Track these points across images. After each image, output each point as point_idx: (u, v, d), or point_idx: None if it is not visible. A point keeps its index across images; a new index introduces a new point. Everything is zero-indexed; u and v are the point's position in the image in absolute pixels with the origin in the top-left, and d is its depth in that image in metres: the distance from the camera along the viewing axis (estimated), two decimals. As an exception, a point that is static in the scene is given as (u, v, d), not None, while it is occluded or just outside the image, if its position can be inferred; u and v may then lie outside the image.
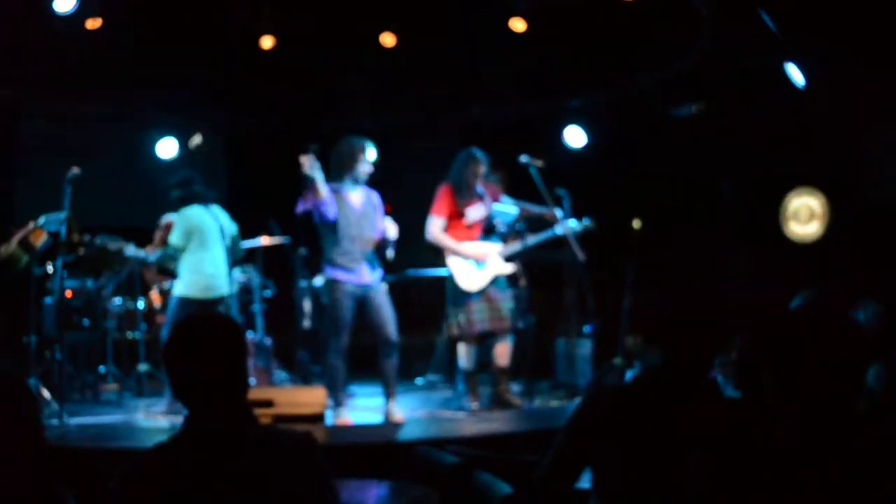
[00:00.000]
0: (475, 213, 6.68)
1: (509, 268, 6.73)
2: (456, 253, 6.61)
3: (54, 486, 2.42)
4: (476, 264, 6.62)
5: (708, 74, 7.99)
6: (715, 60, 7.77)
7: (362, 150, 6.23)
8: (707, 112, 8.24)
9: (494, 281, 6.63)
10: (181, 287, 6.55)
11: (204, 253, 6.59)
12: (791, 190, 8.08)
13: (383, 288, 6.29)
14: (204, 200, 6.74)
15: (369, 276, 6.18)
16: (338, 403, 6.10)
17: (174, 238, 6.57)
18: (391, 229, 6.28)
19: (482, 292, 6.59)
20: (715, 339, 2.57)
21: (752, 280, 7.71)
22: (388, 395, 6.19)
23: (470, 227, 6.68)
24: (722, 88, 7.97)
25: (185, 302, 6.48)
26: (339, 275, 6.12)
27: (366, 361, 6.77)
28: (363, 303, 6.14)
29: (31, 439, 2.37)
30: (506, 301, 6.65)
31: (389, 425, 6.03)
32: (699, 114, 8.28)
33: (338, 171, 6.24)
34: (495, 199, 6.84)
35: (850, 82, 7.18)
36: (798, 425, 2.27)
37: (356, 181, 6.23)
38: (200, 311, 6.11)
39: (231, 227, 6.88)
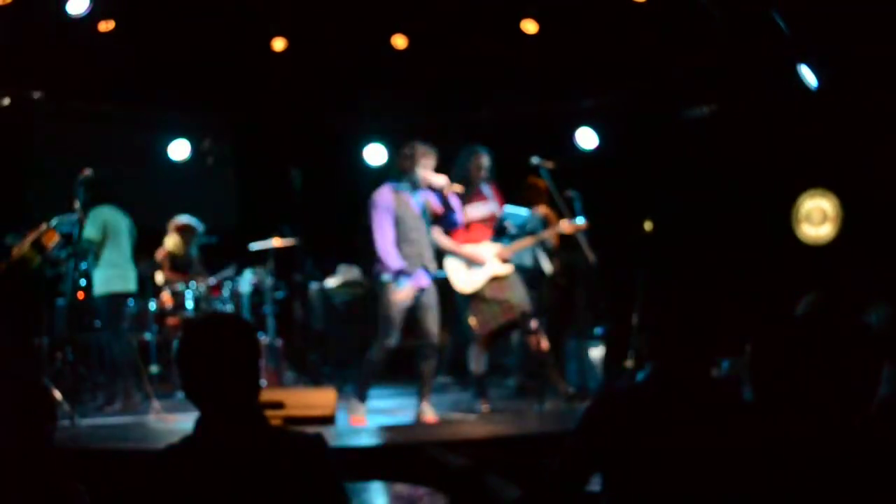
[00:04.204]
0: (474, 210, 6.65)
1: (506, 269, 6.71)
2: (453, 254, 6.61)
3: (70, 486, 2.43)
4: (471, 266, 6.62)
5: (720, 76, 7.97)
6: (727, 62, 7.74)
7: (424, 155, 6.19)
8: (719, 114, 8.21)
9: (493, 281, 6.63)
10: (106, 284, 6.84)
11: (119, 249, 6.93)
12: (804, 192, 8.04)
13: (434, 290, 6.29)
14: (113, 201, 7.02)
15: (426, 280, 6.19)
16: (361, 399, 6.12)
17: (89, 232, 6.76)
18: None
19: (479, 293, 6.60)
20: (720, 342, 2.57)
21: (765, 282, 7.68)
22: (423, 395, 6.21)
23: (468, 225, 6.64)
24: (734, 90, 7.95)
25: (116, 297, 6.83)
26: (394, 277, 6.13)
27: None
28: (414, 303, 6.16)
29: (46, 441, 2.38)
30: (509, 290, 6.63)
31: (400, 427, 6.03)
32: (711, 115, 8.25)
33: (400, 173, 6.24)
34: (500, 202, 6.83)
35: (863, 83, 7.15)
36: (810, 428, 2.26)
37: (415, 185, 6.22)
38: (123, 303, 6.89)
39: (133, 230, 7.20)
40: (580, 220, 6.75)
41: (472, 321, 6.61)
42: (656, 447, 2.41)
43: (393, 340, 6.10)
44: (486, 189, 6.72)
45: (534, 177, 7.30)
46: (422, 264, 6.17)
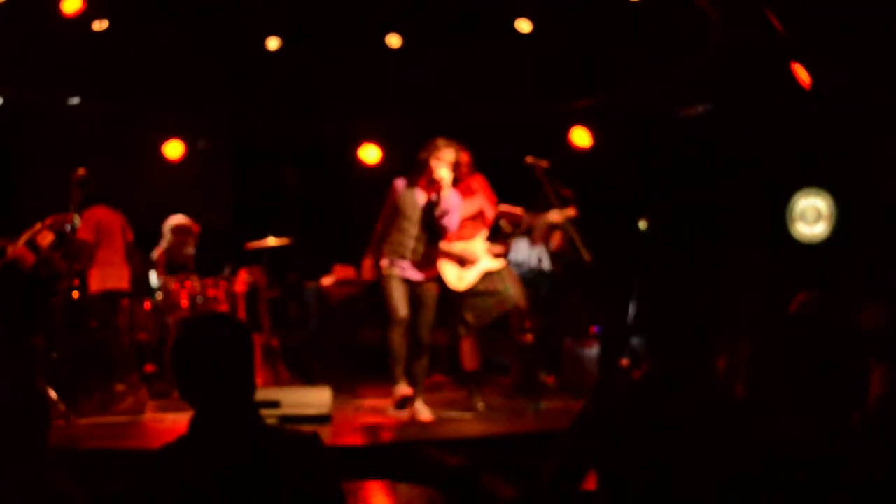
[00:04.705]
0: (463, 208, 6.60)
1: (497, 264, 6.72)
2: (442, 254, 6.60)
3: (66, 486, 2.43)
4: (463, 264, 6.62)
5: (715, 74, 7.98)
6: (722, 60, 7.76)
7: (441, 149, 6.14)
8: (714, 113, 8.23)
9: (486, 276, 6.64)
10: (101, 283, 6.92)
11: (113, 248, 7.00)
12: (798, 190, 8.06)
13: (433, 288, 6.30)
14: (106, 200, 7.08)
15: (412, 274, 6.19)
16: (396, 381, 6.13)
17: (83, 233, 6.82)
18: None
19: (472, 289, 6.60)
20: (718, 340, 2.57)
21: (760, 281, 7.69)
22: (416, 393, 6.22)
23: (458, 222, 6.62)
24: (729, 88, 7.96)
25: (111, 295, 6.91)
26: (385, 264, 6.18)
27: (374, 361, 6.79)
28: (410, 297, 6.17)
29: (42, 441, 2.38)
30: (502, 283, 6.65)
31: (396, 426, 6.03)
32: (706, 114, 8.26)
33: (418, 165, 6.22)
34: (488, 193, 6.83)
35: (858, 81, 7.16)
36: (805, 426, 2.27)
37: (429, 179, 6.19)
38: (118, 301, 7.00)
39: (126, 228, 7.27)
40: (569, 210, 6.75)
41: (469, 317, 6.62)
42: (654, 446, 2.42)
43: (400, 313, 6.09)
44: (474, 183, 6.72)
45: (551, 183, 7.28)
46: (403, 255, 6.16)
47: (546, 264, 7.07)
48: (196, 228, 8.03)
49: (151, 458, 2.35)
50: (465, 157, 6.68)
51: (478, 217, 6.75)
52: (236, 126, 9.91)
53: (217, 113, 9.41)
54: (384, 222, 6.30)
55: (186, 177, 9.10)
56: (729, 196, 8.20)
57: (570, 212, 6.74)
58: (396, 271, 6.16)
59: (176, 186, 8.97)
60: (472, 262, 6.64)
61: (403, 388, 6.13)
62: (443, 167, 6.12)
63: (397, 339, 6.11)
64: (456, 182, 6.37)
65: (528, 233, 6.99)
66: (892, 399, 2.92)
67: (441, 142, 6.16)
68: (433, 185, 6.18)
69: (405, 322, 6.12)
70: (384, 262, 6.19)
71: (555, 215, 6.80)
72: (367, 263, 6.32)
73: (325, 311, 8.72)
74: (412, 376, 6.24)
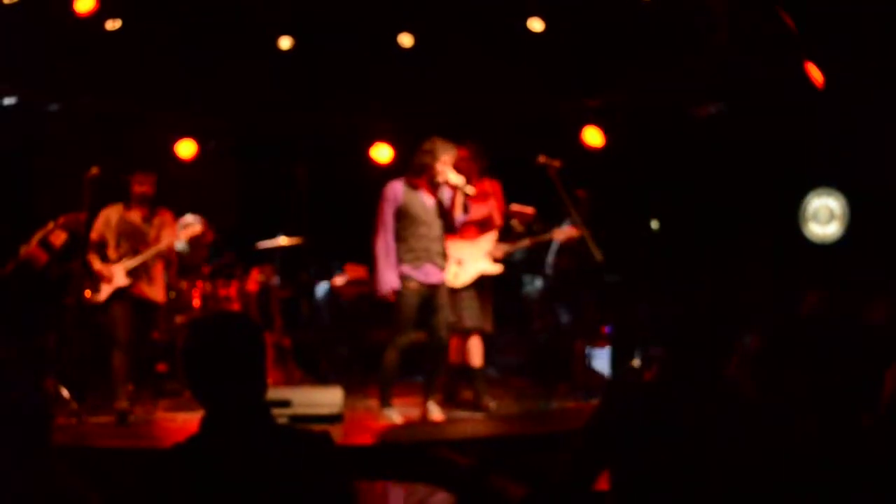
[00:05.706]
0: (473, 210, 6.58)
1: (496, 269, 6.71)
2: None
3: (78, 485, 2.43)
4: (462, 263, 6.62)
5: (726, 74, 7.96)
6: (733, 59, 7.73)
7: (444, 151, 6.11)
8: (727, 112, 8.20)
9: (481, 281, 6.65)
10: (162, 294, 6.84)
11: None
12: (811, 190, 8.03)
13: (446, 289, 6.27)
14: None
15: (436, 277, 6.16)
16: (385, 403, 6.11)
17: (178, 244, 6.88)
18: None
19: (466, 290, 6.60)
20: (729, 340, 2.56)
21: (772, 281, 7.67)
22: (429, 394, 6.22)
23: (465, 223, 6.60)
24: (741, 88, 7.93)
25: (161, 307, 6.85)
26: (405, 271, 6.09)
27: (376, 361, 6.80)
28: (426, 302, 6.12)
29: (46, 441, 2.39)
30: (483, 303, 6.67)
31: (405, 426, 6.03)
32: (718, 114, 8.24)
33: (417, 167, 6.18)
34: (499, 196, 6.83)
35: (870, 81, 7.13)
36: (815, 425, 2.26)
37: (433, 181, 6.17)
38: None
39: None
40: (574, 229, 6.74)
41: (454, 316, 6.59)
42: (666, 447, 2.41)
43: (405, 338, 6.08)
44: (488, 187, 6.72)
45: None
46: (429, 260, 6.12)
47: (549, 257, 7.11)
48: (210, 236, 7.99)
49: (162, 457, 2.36)
50: (476, 158, 6.68)
51: (486, 222, 6.75)
52: (245, 124, 9.92)
53: (226, 111, 9.42)
54: (388, 230, 6.12)
55: (193, 176, 9.10)
56: (741, 195, 8.17)
57: (574, 232, 6.72)
58: (418, 278, 6.08)
59: (182, 186, 8.97)
60: (468, 262, 6.65)
61: (394, 416, 6.11)
62: (450, 171, 6.10)
63: (394, 358, 6.08)
64: (469, 180, 6.36)
65: (537, 234, 6.98)
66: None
67: (439, 142, 6.12)
68: (440, 188, 6.16)
69: (406, 346, 6.09)
70: (405, 270, 6.09)
71: (559, 234, 6.83)
72: (389, 277, 6.04)
73: (336, 310, 8.73)
74: (427, 375, 6.24)
